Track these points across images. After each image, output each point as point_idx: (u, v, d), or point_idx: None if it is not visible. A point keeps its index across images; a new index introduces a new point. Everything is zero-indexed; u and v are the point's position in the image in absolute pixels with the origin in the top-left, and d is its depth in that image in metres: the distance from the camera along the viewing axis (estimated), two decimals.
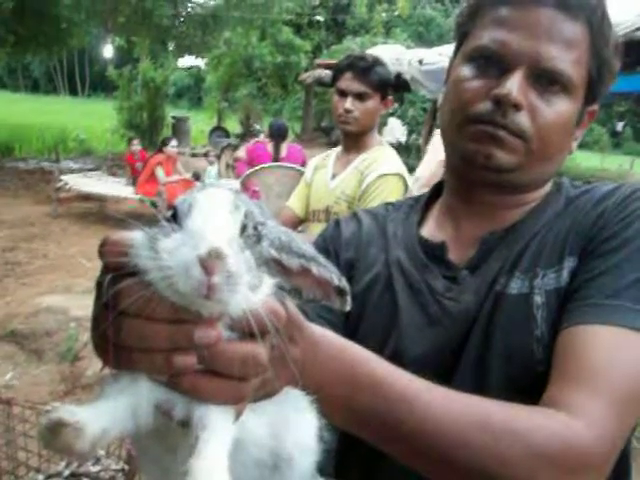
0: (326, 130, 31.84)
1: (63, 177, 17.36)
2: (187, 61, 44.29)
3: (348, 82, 4.72)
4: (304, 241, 1.06)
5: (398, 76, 13.02)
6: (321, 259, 1.05)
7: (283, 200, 5.75)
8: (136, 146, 18.47)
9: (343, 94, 4.74)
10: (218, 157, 20.79)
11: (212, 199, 0.96)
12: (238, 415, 0.96)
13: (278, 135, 12.19)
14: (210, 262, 0.85)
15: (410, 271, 1.81)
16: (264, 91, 37.79)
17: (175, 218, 0.95)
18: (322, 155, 5.28)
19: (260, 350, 0.94)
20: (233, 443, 0.93)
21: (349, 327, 1.81)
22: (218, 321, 0.92)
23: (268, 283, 0.97)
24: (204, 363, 0.92)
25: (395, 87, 5.13)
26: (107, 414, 0.92)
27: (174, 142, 16.94)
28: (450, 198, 1.89)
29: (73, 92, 79.14)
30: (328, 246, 1.98)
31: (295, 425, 1.13)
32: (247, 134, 24.04)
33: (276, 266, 1.01)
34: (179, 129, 29.89)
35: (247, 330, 0.92)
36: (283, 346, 1.01)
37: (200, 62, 42.36)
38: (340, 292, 1.05)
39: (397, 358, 1.46)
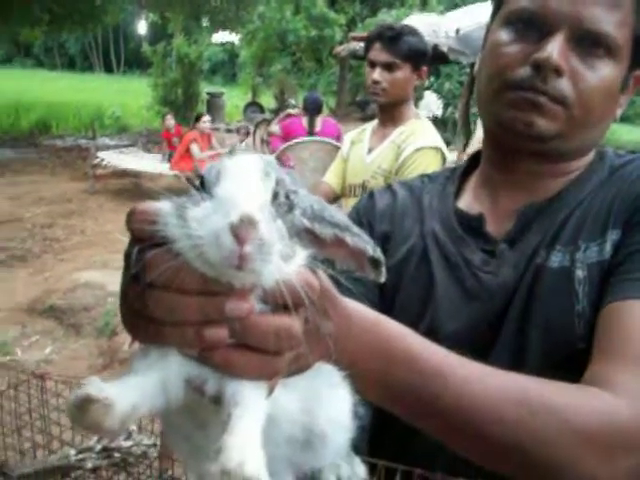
0: (361, 104, 31.63)
1: (99, 154, 17.53)
2: (221, 37, 44.15)
3: (376, 52, 4.66)
4: (337, 210, 1.03)
5: (435, 47, 12.86)
6: (355, 229, 1.01)
7: (318, 174, 5.71)
8: (170, 121, 18.59)
9: (372, 65, 4.69)
10: (252, 132, 20.81)
11: (242, 166, 0.93)
12: (271, 391, 0.94)
13: (312, 109, 12.13)
14: (242, 229, 0.82)
15: (446, 243, 1.78)
16: (298, 66, 37.56)
17: (203, 187, 0.92)
18: (358, 129, 5.20)
19: (294, 323, 0.91)
20: (267, 419, 0.91)
21: (384, 301, 1.78)
22: (250, 293, 0.89)
23: (301, 254, 0.94)
24: (236, 337, 0.90)
25: (431, 58, 5.03)
26: (136, 390, 0.89)
27: (206, 118, 16.98)
28: (488, 168, 1.84)
29: (108, 69, 79.60)
30: (362, 218, 1.95)
31: (328, 401, 1.10)
32: (281, 109, 23.89)
33: (309, 236, 0.98)
34: (214, 105, 29.84)
35: (280, 302, 0.90)
36: (317, 319, 0.99)
37: (234, 37, 42.24)
38: (375, 263, 1.02)
39: (433, 333, 1.46)
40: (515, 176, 1.74)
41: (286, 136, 12.18)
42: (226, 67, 70.20)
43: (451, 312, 1.69)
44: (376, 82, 4.63)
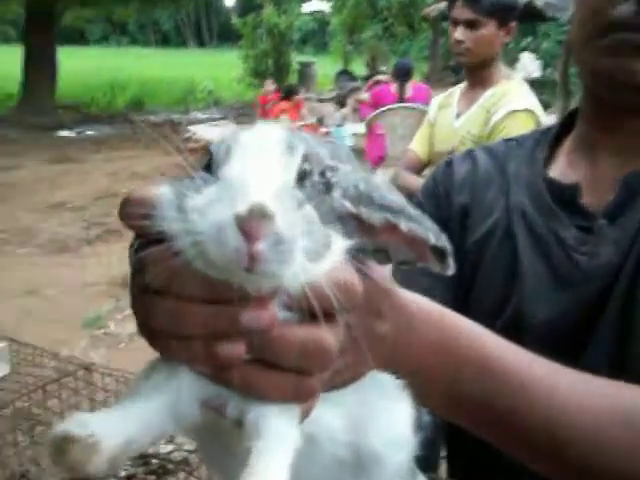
0: (455, 69, 30.94)
1: (191, 128, 17.70)
2: (311, 6, 43.93)
3: (458, 10, 4.40)
4: (392, 189, 0.88)
5: (528, 3, 12.31)
6: (413, 212, 0.85)
7: (408, 142, 5.48)
8: (270, 86, 19.00)
9: (455, 23, 4.42)
10: (343, 101, 20.80)
11: (256, 139, 0.79)
12: (305, 414, 0.81)
13: (402, 75, 11.88)
14: (251, 223, 0.68)
15: (534, 218, 1.58)
16: (390, 32, 37.11)
17: (211, 167, 0.79)
18: (446, 93, 4.95)
19: (325, 335, 0.77)
20: (305, 439, 0.80)
21: (462, 285, 1.61)
22: (271, 299, 0.75)
23: (340, 246, 0.79)
24: (256, 352, 0.76)
25: (523, 15, 4.71)
26: (134, 420, 0.78)
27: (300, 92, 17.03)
28: (585, 129, 1.60)
29: (201, 44, 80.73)
30: (438, 189, 1.77)
31: (381, 416, 0.97)
32: (373, 76, 23.66)
33: (354, 222, 0.83)
34: (305, 74, 29.89)
35: (309, 310, 0.75)
36: (366, 322, 0.87)
37: (324, 6, 41.97)
38: (439, 253, 0.85)
39: (518, 322, 1.37)
40: (617, 138, 1.50)
41: (375, 104, 12.04)
42: (317, 36, 70.07)
43: (540, 298, 1.50)
44: (459, 42, 4.38)
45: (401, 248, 0.86)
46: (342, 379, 0.89)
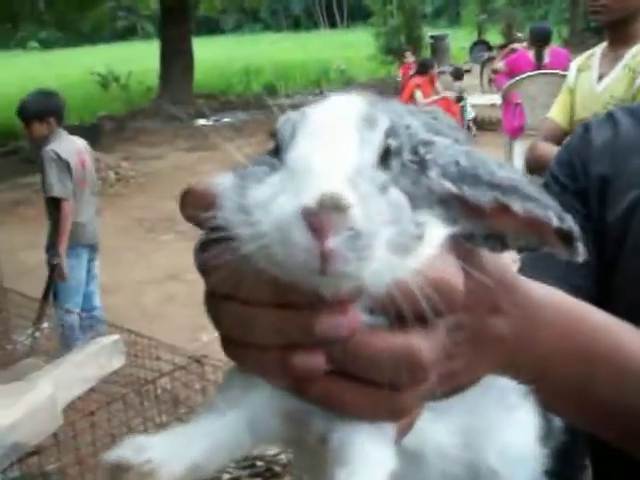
0: (597, 30, 29.96)
1: None
2: None
3: None
4: (503, 164, 0.74)
5: None
6: (530, 189, 0.72)
7: (548, 110, 5.14)
8: (410, 58, 19.26)
9: None
10: (479, 72, 20.48)
11: (327, 114, 0.68)
12: (402, 433, 0.71)
13: (540, 39, 11.40)
14: (321, 217, 0.58)
15: None
16: None
17: (278, 150, 0.69)
18: (585, 55, 4.61)
19: (417, 344, 0.66)
20: (409, 457, 0.74)
21: (603, 268, 1.45)
22: (351, 302, 0.64)
23: (438, 235, 0.68)
24: (338, 364, 0.66)
25: None
26: (203, 440, 0.69)
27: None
28: None
29: (332, 25, 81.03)
30: (574, 158, 1.58)
31: (499, 428, 0.86)
32: (509, 45, 23.01)
33: (459, 205, 0.71)
34: (438, 48, 29.43)
35: (399, 313, 0.65)
36: (478, 321, 0.77)
37: None
38: (565, 237, 0.72)
39: None
40: None
41: (511, 72, 11.68)
42: (450, 9, 68.82)
43: None
44: None
45: (519, 232, 0.74)
46: (451, 386, 0.78)
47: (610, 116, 1.63)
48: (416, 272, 0.64)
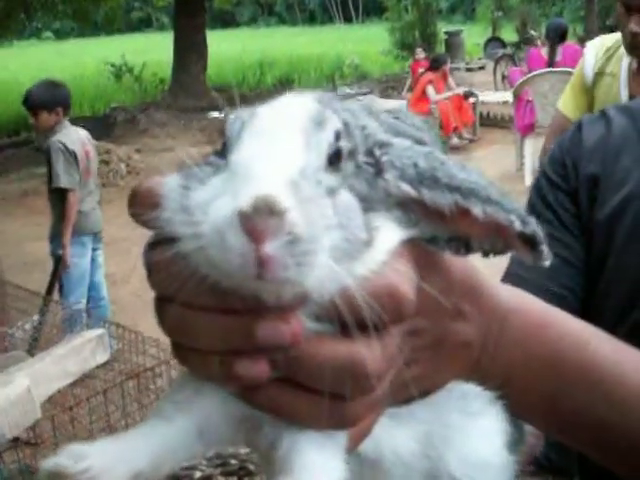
0: (613, 29, 29.73)
1: None
2: None
3: None
4: (463, 166, 0.72)
5: None
6: (490, 192, 0.70)
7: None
8: (420, 54, 19.21)
9: (629, 9, 3.57)
10: (492, 69, 20.45)
11: (275, 113, 0.68)
12: (355, 442, 0.70)
13: (555, 36, 11.31)
14: (256, 221, 0.57)
15: None
16: None
17: (224, 150, 0.68)
18: (601, 52, 4.22)
19: (362, 353, 0.64)
20: (369, 465, 0.74)
21: (590, 267, 1.45)
22: (294, 309, 0.62)
23: (390, 239, 0.67)
24: (282, 371, 0.65)
25: None
26: (149, 446, 0.68)
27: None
28: None
29: (347, 19, 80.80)
30: (565, 157, 1.57)
31: (461, 435, 0.84)
32: (523, 42, 22.90)
33: (418, 208, 0.70)
34: (452, 44, 29.28)
35: (345, 321, 0.63)
36: (439, 327, 0.76)
37: None
38: (528, 241, 0.70)
39: None
40: None
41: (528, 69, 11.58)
42: (465, 4, 68.51)
43: None
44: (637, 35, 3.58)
45: (483, 236, 0.72)
46: (412, 393, 0.75)
47: (603, 114, 1.62)
48: (361, 279, 0.62)
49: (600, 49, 4.30)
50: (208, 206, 0.61)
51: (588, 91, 4.26)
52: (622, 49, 4.13)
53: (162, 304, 0.67)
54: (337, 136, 0.66)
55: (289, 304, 0.61)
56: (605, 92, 4.16)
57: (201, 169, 0.67)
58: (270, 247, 0.57)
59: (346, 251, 0.62)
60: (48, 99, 6.66)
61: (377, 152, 0.70)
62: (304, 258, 0.58)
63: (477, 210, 0.68)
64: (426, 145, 0.75)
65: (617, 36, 4.14)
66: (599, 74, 4.21)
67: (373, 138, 0.71)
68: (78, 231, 6.62)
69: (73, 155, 6.58)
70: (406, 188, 0.69)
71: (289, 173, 0.60)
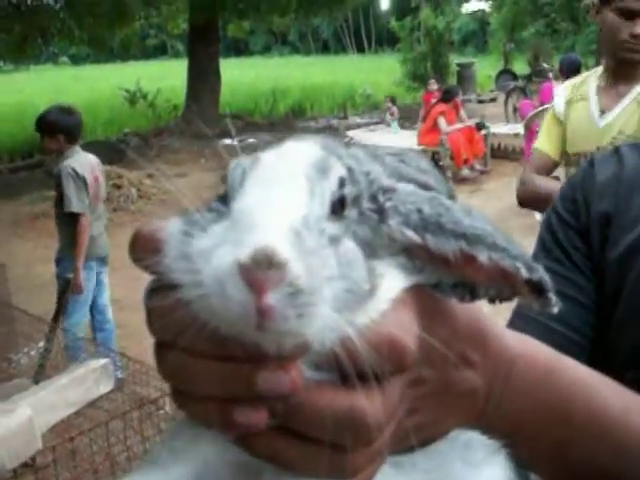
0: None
1: (349, 132, 17.86)
2: (471, 6, 43.33)
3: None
4: (468, 211, 0.71)
5: None
6: (497, 238, 0.69)
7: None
8: (433, 85, 19.43)
9: (630, 15, 3.80)
10: (504, 101, 20.51)
11: (277, 160, 0.66)
12: None
13: (569, 71, 11.39)
14: (256, 273, 0.56)
15: None
16: (553, 28, 35.93)
17: (226, 196, 0.67)
18: (570, 84, 4.41)
19: (362, 405, 0.63)
20: None
21: (602, 307, 1.41)
22: (294, 358, 0.61)
23: (394, 287, 0.66)
24: (282, 419, 0.63)
25: None
26: None
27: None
28: None
29: (360, 49, 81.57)
30: (576, 194, 1.54)
31: None
32: (535, 75, 22.98)
33: (423, 254, 0.69)
34: (464, 76, 29.46)
35: (346, 372, 0.62)
36: (444, 375, 0.74)
37: (484, 5, 41.35)
38: (535, 289, 0.69)
39: None
40: None
41: (541, 103, 11.63)
42: (477, 37, 68.99)
43: None
44: (637, 36, 3.79)
45: (488, 281, 0.70)
46: (414, 441, 0.73)
47: (616, 151, 1.59)
48: (362, 330, 0.61)
49: (568, 87, 4.41)
50: (209, 254, 0.60)
51: (561, 123, 4.28)
52: (591, 76, 4.23)
53: (161, 349, 0.67)
54: (341, 183, 0.65)
55: (290, 353, 0.60)
56: (577, 115, 4.19)
57: (203, 215, 0.66)
58: (271, 298, 0.56)
59: (348, 301, 0.61)
60: (49, 125, 6.74)
61: (381, 198, 0.69)
62: (305, 309, 0.57)
63: (483, 257, 0.67)
64: (431, 189, 0.74)
65: (584, 74, 4.32)
66: (569, 102, 4.26)
67: (377, 183, 0.70)
68: (86, 255, 6.64)
69: (83, 180, 6.62)
70: (410, 234, 0.68)
71: (291, 222, 0.59)
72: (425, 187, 0.74)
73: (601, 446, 0.88)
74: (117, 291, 7.64)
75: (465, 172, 15.37)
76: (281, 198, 0.61)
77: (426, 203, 0.69)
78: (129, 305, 8.61)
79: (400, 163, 0.76)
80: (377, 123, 21.86)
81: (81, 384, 2.29)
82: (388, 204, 0.69)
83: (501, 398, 0.83)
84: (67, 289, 5.49)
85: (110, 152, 16.04)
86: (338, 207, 0.64)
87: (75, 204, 6.56)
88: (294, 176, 0.64)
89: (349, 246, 0.63)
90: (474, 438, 0.83)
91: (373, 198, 0.69)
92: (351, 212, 0.66)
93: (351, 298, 0.61)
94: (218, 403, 0.63)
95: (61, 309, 5.00)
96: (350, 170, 0.67)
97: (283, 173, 0.64)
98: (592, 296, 1.43)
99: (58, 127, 6.68)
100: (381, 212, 0.68)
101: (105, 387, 2.36)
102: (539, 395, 0.86)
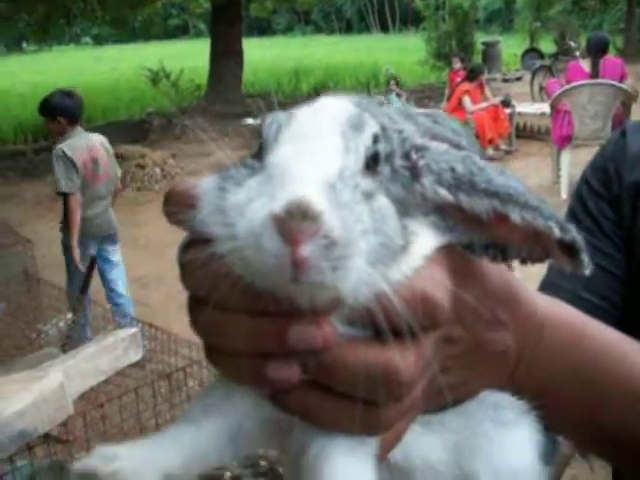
0: None
1: None
2: None
3: None
4: (501, 170, 0.71)
5: None
6: (529, 198, 0.69)
7: (599, 121, 4.97)
8: (457, 64, 19.15)
9: None
10: (530, 80, 20.33)
11: (312, 116, 0.67)
12: (387, 448, 0.69)
13: (597, 49, 11.23)
14: (291, 225, 0.57)
15: None
16: (580, 5, 35.56)
17: (261, 152, 0.68)
18: None
19: (395, 359, 0.63)
20: (397, 474, 0.74)
21: (632, 275, 1.41)
22: (327, 313, 0.62)
23: (426, 245, 0.67)
24: (314, 375, 0.64)
25: None
26: (179, 449, 0.67)
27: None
28: None
29: (384, 29, 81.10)
30: (607, 164, 1.53)
31: (493, 445, 0.82)
32: (561, 53, 22.72)
33: (456, 213, 0.69)
34: (489, 54, 29.13)
35: (379, 326, 0.62)
36: (475, 334, 0.74)
37: None
38: (568, 249, 0.69)
39: None
40: None
41: (567, 82, 11.48)
42: (503, 15, 68.26)
43: None
44: None
45: (520, 242, 0.70)
46: (445, 400, 0.74)
47: None
48: (397, 285, 0.61)
49: None
50: (244, 208, 0.60)
51: None
52: None
53: (195, 305, 0.67)
54: (375, 139, 0.66)
55: (322, 308, 0.61)
56: None
57: (238, 171, 0.67)
58: (305, 250, 0.56)
59: (382, 256, 0.61)
60: (50, 108, 7.05)
61: (414, 156, 0.69)
62: (339, 262, 0.58)
63: (515, 216, 0.67)
64: (464, 149, 0.74)
65: None
66: None
67: (410, 142, 0.70)
68: (81, 234, 6.90)
69: (71, 161, 6.83)
70: (443, 193, 0.68)
71: (326, 176, 0.60)
72: (457, 147, 0.73)
73: (631, 411, 0.88)
74: (141, 268, 7.71)
75: (490, 152, 15.25)
76: (316, 152, 0.61)
77: (459, 162, 0.69)
78: (153, 282, 8.68)
79: (433, 123, 0.76)
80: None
81: (110, 352, 2.31)
82: (421, 162, 0.69)
83: (531, 360, 0.83)
84: (93, 266, 5.54)
85: (133, 132, 16.09)
86: (372, 163, 0.65)
87: (64, 184, 6.81)
88: (329, 131, 0.64)
89: (383, 202, 0.63)
90: (503, 399, 0.84)
91: (406, 156, 0.69)
92: (384, 169, 0.66)
93: (385, 253, 0.61)
94: (251, 358, 0.64)
95: (87, 284, 5.06)
96: (383, 128, 0.67)
97: (318, 128, 0.64)
98: (622, 266, 1.42)
99: (58, 110, 6.98)
100: (414, 170, 0.69)
101: (134, 356, 2.38)
102: (569, 358, 0.86)
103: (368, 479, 0.65)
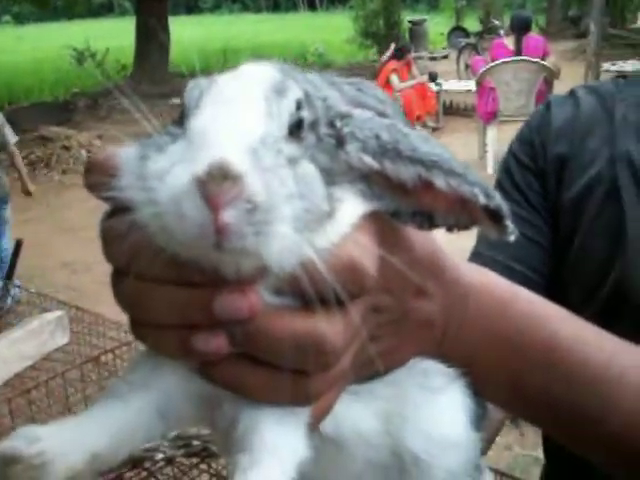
0: (574, 20, 30.26)
1: None
2: None
3: None
4: (426, 138, 0.70)
5: None
6: (454, 165, 0.68)
7: (523, 97, 5.05)
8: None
9: None
10: (456, 58, 20.54)
11: (234, 81, 0.66)
12: (318, 418, 0.69)
13: (520, 28, 11.47)
14: (214, 187, 0.55)
15: None
16: None
17: (182, 118, 0.67)
18: None
19: (322, 327, 0.62)
20: (330, 443, 0.73)
21: (557, 247, 1.45)
22: (253, 282, 0.61)
23: (352, 212, 0.66)
24: (241, 346, 0.63)
25: None
26: (105, 427, 0.66)
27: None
28: None
29: (312, 7, 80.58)
30: (533, 137, 1.56)
31: (423, 412, 0.83)
32: (486, 32, 23.04)
33: (382, 181, 0.68)
34: (416, 33, 29.28)
35: (305, 294, 0.61)
36: (400, 303, 0.74)
37: None
38: (493, 215, 0.69)
39: (621, 292, 1.25)
40: None
41: (492, 60, 11.71)
42: None
43: None
44: None
45: (446, 210, 0.70)
46: (374, 368, 0.74)
47: (572, 94, 1.60)
48: (323, 252, 0.61)
49: None
50: (165, 173, 0.59)
51: None
52: None
53: (117, 277, 0.65)
54: (298, 106, 0.65)
55: (247, 277, 0.60)
56: None
57: (159, 138, 0.66)
58: (228, 215, 0.56)
59: (307, 222, 0.60)
60: None
61: (338, 124, 0.68)
62: (263, 227, 0.57)
63: (440, 182, 0.67)
64: (388, 117, 0.73)
65: None
66: None
67: (334, 109, 0.69)
68: None
69: None
70: (368, 160, 0.68)
71: (248, 140, 0.59)
72: (382, 115, 0.73)
73: (554, 377, 0.90)
74: (68, 254, 7.56)
75: (417, 129, 15.41)
76: (238, 117, 0.61)
77: (384, 130, 0.69)
78: (81, 267, 8.52)
79: (358, 91, 0.75)
80: None
81: (36, 337, 2.27)
82: (346, 130, 0.68)
83: (458, 328, 0.84)
84: (19, 250, 5.40)
85: (58, 113, 15.68)
86: (295, 129, 0.64)
87: None
88: (251, 96, 0.63)
89: (307, 168, 0.63)
90: (432, 366, 0.85)
91: (330, 124, 0.68)
92: (308, 136, 0.65)
93: (310, 219, 0.60)
94: (176, 330, 0.63)
95: (13, 269, 4.92)
96: (307, 94, 0.67)
97: (240, 93, 0.64)
98: (548, 237, 1.46)
99: None
100: (339, 138, 0.68)
101: (61, 339, 2.34)
102: (495, 326, 0.87)
103: (299, 449, 0.65)
